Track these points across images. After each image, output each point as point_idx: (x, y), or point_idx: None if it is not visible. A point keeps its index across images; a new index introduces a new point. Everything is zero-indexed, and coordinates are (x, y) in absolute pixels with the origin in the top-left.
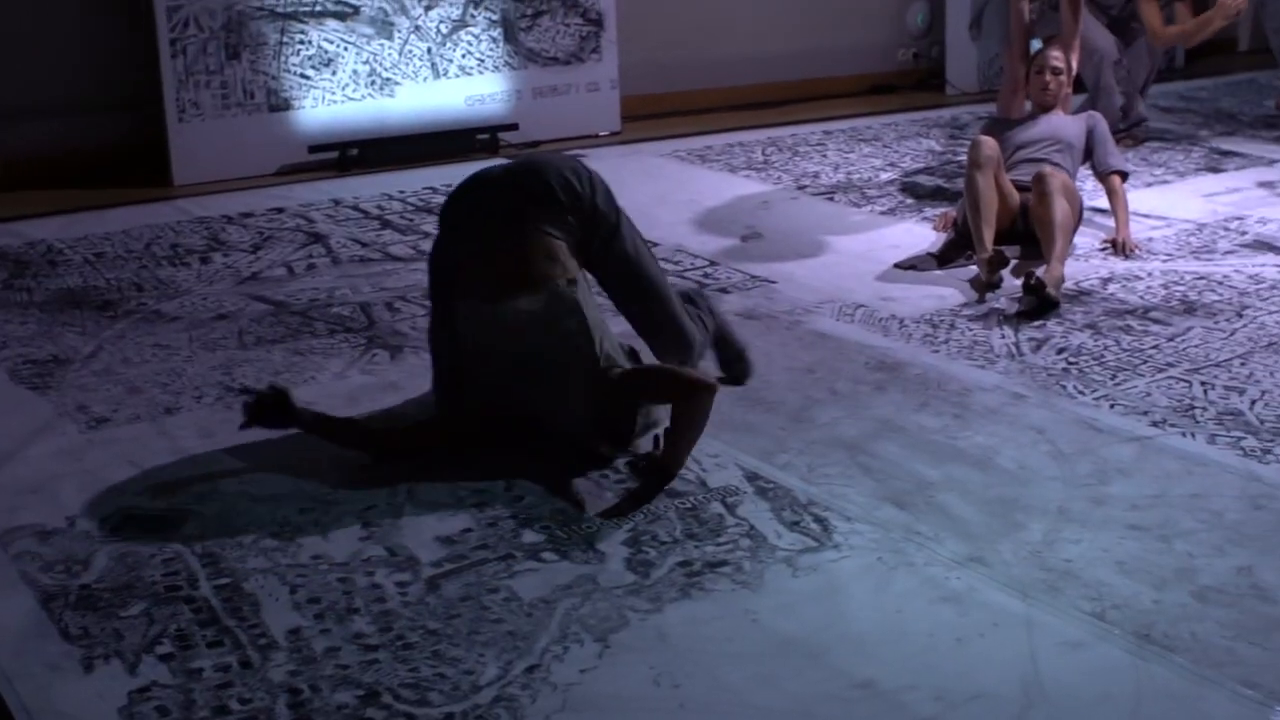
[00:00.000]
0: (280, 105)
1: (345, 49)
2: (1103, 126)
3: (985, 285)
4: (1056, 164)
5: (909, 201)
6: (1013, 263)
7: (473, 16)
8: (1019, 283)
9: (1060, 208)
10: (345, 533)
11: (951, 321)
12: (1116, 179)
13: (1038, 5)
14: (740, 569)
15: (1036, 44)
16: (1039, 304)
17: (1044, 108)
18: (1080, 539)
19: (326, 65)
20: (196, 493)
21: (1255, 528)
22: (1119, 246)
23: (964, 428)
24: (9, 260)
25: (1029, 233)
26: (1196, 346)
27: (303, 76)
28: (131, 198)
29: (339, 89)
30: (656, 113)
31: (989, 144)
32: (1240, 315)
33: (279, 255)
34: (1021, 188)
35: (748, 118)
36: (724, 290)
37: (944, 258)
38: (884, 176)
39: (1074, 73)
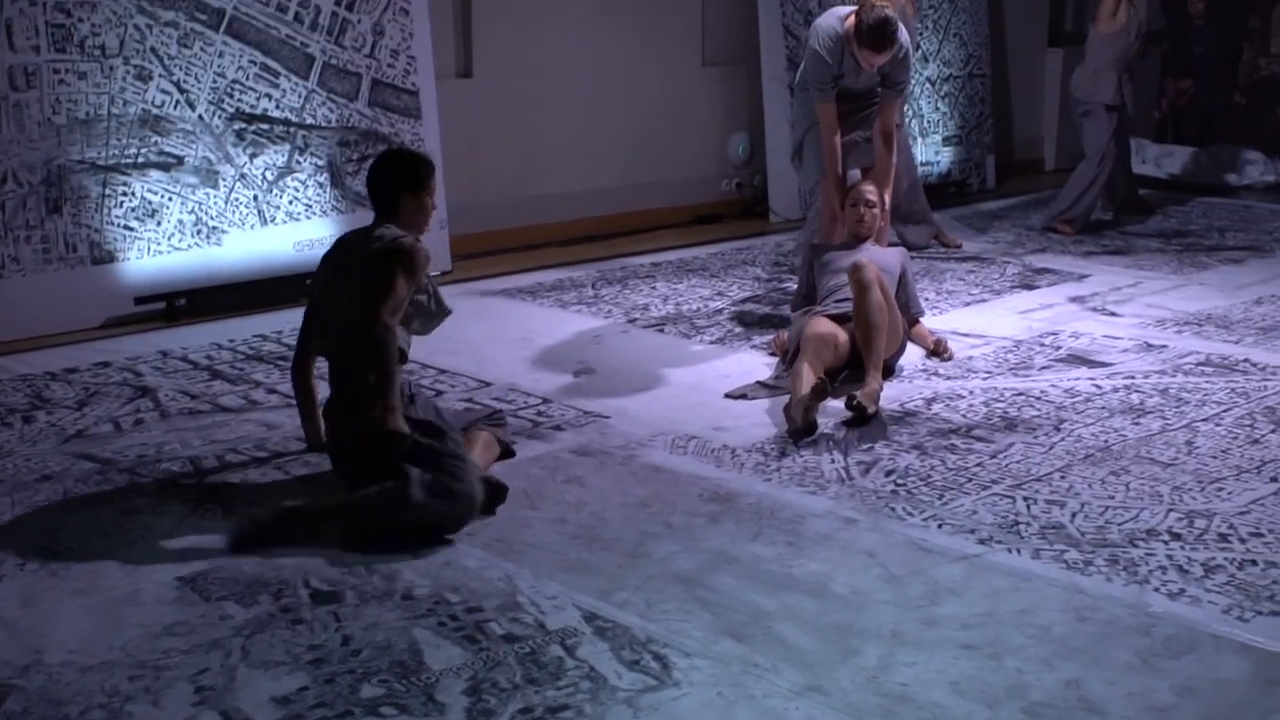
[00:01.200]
0: (104, 258)
1: (170, 199)
2: (912, 268)
3: (800, 431)
4: None
5: (738, 330)
6: (839, 382)
7: (298, 163)
8: (841, 403)
9: (875, 302)
10: (178, 699)
11: (782, 449)
12: (920, 324)
13: (853, 137)
14: (581, 712)
15: (855, 174)
16: (860, 419)
17: (860, 238)
18: (915, 661)
19: (151, 216)
20: (19, 665)
21: (1081, 640)
22: (938, 350)
23: (798, 555)
24: None
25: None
26: (1018, 462)
27: (127, 228)
28: None
29: (165, 239)
30: (487, 250)
31: (816, 339)
32: (1058, 429)
33: (105, 411)
34: (844, 318)
35: (577, 252)
36: (558, 428)
37: (777, 388)
38: (713, 306)
39: (888, 205)
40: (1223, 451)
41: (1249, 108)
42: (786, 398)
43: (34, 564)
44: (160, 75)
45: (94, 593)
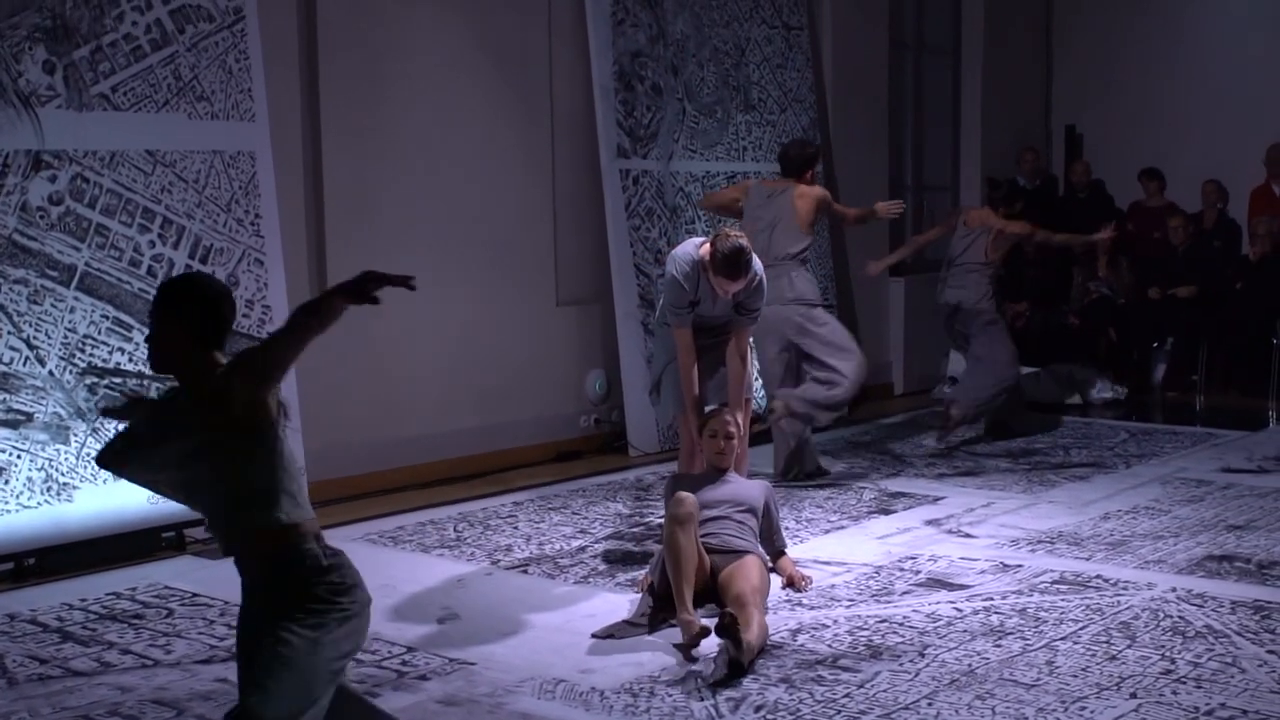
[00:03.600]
0: None
1: (18, 457)
2: (776, 501)
3: (689, 646)
4: (740, 521)
5: (602, 568)
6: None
7: None
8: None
9: (751, 591)
10: None
11: (651, 689)
12: (784, 557)
13: (712, 371)
14: None
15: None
16: (731, 671)
17: (720, 469)
18: None
19: None
20: None
21: None
22: (795, 582)
23: None
24: None
25: (719, 593)
26: (885, 691)
27: None
28: None
29: (12, 498)
30: (346, 495)
31: (689, 501)
32: (922, 655)
33: None
34: (711, 550)
35: (438, 494)
36: (423, 677)
37: (650, 625)
38: (575, 544)
39: (746, 434)
40: (1083, 670)
41: (1082, 329)
42: (654, 636)
43: None
44: (9, 333)
45: None
